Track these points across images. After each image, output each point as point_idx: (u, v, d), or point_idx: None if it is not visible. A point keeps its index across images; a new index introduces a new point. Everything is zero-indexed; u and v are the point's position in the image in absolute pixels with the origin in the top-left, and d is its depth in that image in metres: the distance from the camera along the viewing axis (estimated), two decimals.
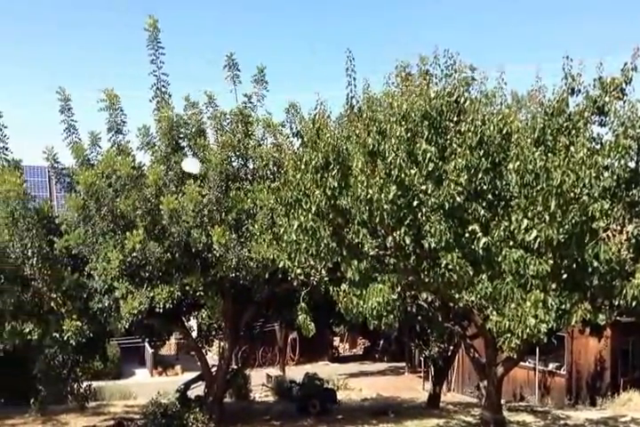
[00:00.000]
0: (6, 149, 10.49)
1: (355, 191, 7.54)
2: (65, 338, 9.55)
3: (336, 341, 27.09)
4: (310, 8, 64.98)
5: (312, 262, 8.52)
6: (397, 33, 67.58)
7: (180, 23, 57.98)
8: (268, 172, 11.30)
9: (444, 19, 65.51)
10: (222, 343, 13.41)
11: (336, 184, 7.67)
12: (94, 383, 13.46)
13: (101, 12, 62.03)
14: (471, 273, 7.59)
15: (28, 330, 9.79)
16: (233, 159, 11.19)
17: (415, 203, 7.52)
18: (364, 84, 8.55)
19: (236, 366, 14.59)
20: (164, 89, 11.07)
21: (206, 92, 11.44)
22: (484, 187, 7.83)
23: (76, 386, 11.79)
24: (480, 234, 7.44)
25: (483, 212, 7.62)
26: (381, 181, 7.27)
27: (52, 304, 9.80)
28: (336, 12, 64.49)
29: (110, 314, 9.78)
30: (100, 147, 11.27)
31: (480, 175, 7.63)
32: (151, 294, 9.65)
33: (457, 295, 8.10)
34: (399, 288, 7.97)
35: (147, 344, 20.56)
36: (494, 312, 7.65)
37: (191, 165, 10.47)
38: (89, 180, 9.62)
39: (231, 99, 11.48)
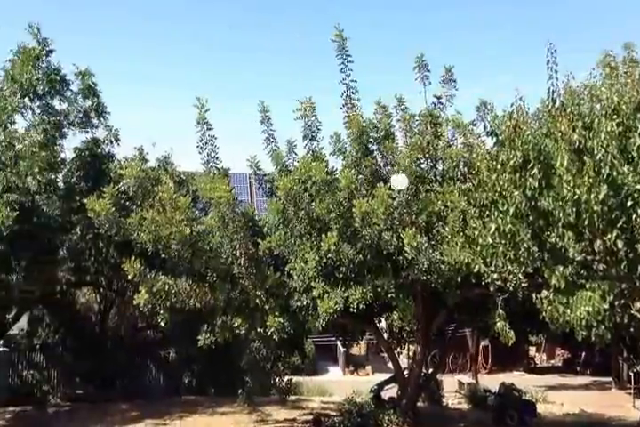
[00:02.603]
0: (216, 158, 11.44)
1: (559, 191, 7.05)
2: (269, 333, 10.17)
3: (531, 350, 25.63)
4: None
5: (510, 267, 8.13)
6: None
7: (372, 26, 59.18)
8: (459, 173, 11.05)
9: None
10: (414, 347, 13.39)
11: (537, 184, 7.24)
12: (293, 378, 14.20)
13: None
14: None
15: (236, 325, 10.55)
16: (422, 161, 11.15)
17: (629, 203, 6.83)
18: (566, 76, 7.98)
19: (427, 371, 14.47)
20: (353, 96, 11.36)
21: (396, 95, 11.58)
22: None
23: (278, 380, 12.52)
24: None
25: None
26: (590, 180, 6.71)
27: (257, 301, 10.48)
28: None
29: (308, 312, 10.21)
30: (296, 154, 11.90)
31: None
32: (345, 295, 9.92)
33: None
34: (611, 297, 7.27)
35: (339, 343, 21.24)
36: None
37: (399, 181, 10.56)
38: (287, 185, 10.18)
39: (420, 100, 11.51)
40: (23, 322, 18.50)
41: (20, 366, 16.85)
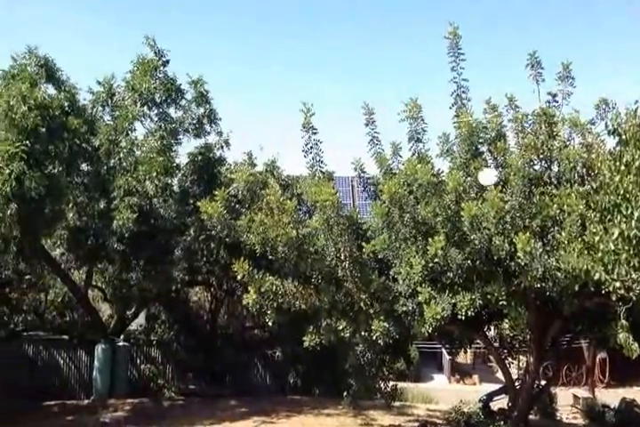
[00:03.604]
0: (321, 162, 11.56)
1: None
2: (373, 337, 10.08)
3: None
4: None
5: (634, 275, 7.53)
6: None
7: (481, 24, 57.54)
8: (576, 175, 10.45)
9: None
10: (526, 357, 12.81)
11: None
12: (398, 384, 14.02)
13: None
14: None
15: (341, 327, 10.56)
16: (535, 162, 10.67)
17: None
18: None
19: (539, 383, 13.78)
20: (463, 95, 11.08)
21: (506, 94, 11.18)
22: None
23: (383, 384, 12.42)
24: None
25: None
26: None
27: (362, 305, 10.44)
28: None
29: (414, 318, 10.02)
30: (400, 156, 11.77)
31: None
32: (453, 301, 9.64)
33: None
34: None
35: (444, 350, 20.77)
36: None
37: (487, 176, 10.18)
38: (392, 188, 10.05)
39: (533, 98, 11.04)
40: (141, 319, 19.68)
41: (138, 361, 17.89)
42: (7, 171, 11.56)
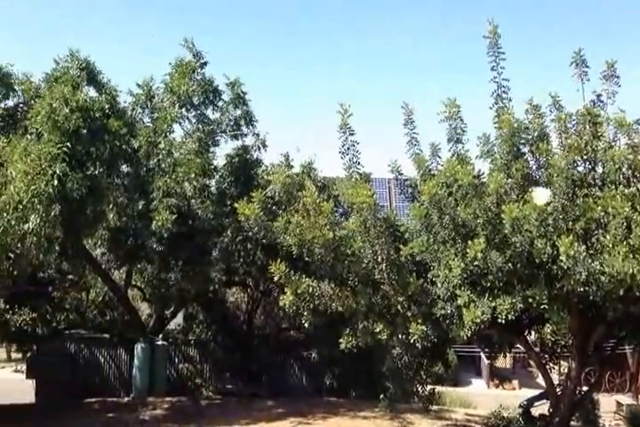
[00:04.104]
0: (358, 163, 11.48)
1: None
2: (411, 341, 9.97)
3: None
4: None
5: None
6: None
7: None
8: (621, 176, 10.15)
9: None
10: (567, 362, 12.50)
11: None
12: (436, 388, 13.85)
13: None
14: None
15: (378, 330, 10.47)
16: (579, 163, 10.40)
17: None
18: None
19: (581, 389, 13.43)
20: (504, 95, 10.87)
21: (550, 93, 10.90)
22: None
23: (420, 388, 12.29)
24: None
25: None
26: None
27: (399, 307, 10.33)
28: None
29: (453, 321, 9.88)
30: (439, 157, 11.61)
31: None
32: (493, 304, 9.45)
33: None
34: None
35: (482, 355, 20.48)
36: None
37: (541, 195, 9.92)
38: (432, 190, 9.91)
39: (577, 98, 10.75)
40: (179, 318, 19.94)
41: (176, 360, 18.12)
42: (50, 172, 11.79)
